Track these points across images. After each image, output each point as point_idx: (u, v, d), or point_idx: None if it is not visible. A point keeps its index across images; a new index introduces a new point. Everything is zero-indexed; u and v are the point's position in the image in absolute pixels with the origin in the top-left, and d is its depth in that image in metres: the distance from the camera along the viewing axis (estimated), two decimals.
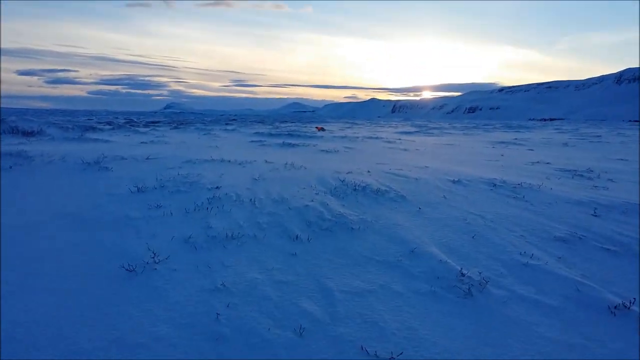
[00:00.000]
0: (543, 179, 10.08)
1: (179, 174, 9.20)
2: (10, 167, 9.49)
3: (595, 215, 6.71)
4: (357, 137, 25.53)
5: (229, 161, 11.67)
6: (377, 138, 25.80)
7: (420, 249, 5.12)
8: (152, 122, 44.50)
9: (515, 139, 28.83)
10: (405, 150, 18.33)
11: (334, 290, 4.08)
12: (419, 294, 4.09)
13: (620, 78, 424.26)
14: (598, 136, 33.62)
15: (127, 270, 4.39)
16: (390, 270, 4.64)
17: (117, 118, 58.06)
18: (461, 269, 4.53)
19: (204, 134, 25.87)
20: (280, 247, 5.23)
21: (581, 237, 5.70)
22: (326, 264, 4.75)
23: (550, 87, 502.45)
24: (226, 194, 7.42)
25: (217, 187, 7.93)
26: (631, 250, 5.25)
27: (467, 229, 6.01)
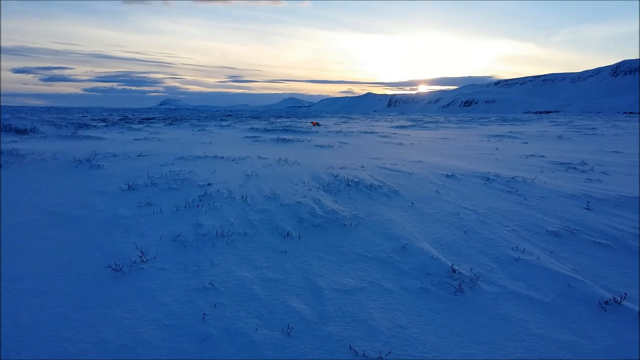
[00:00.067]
0: (537, 173, 10.06)
1: (171, 171, 9.13)
2: (1, 166, 9.39)
3: (588, 209, 6.68)
4: (352, 132, 25.47)
5: (222, 157, 11.59)
6: (372, 132, 25.73)
7: (412, 245, 5.08)
8: (147, 119, 44.34)
9: (510, 132, 28.82)
10: (400, 144, 18.28)
11: (323, 288, 4.03)
12: (409, 291, 4.05)
13: (616, 70, 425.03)
14: (593, 128, 33.62)
15: (113, 269, 4.33)
16: (381, 266, 4.60)
17: (111, 115, 57.84)
18: (452, 264, 4.50)
19: (199, 130, 25.77)
20: (270, 244, 5.17)
21: (574, 231, 5.67)
22: (317, 261, 4.70)
23: (546, 79, 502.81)
24: (218, 190, 7.37)
25: (208, 184, 7.87)
26: (624, 244, 5.22)
27: (460, 224, 5.97)
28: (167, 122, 37.37)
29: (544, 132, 28.63)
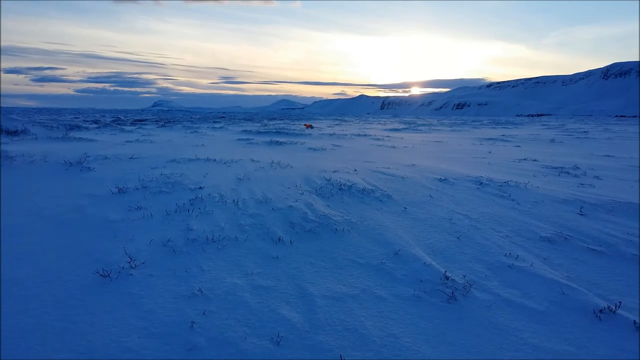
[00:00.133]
0: (530, 177, 10.06)
1: (162, 174, 9.04)
2: None
3: (582, 214, 6.66)
4: (346, 135, 25.46)
5: (215, 160, 11.52)
6: (365, 135, 25.72)
7: (405, 251, 5.02)
8: (139, 120, 44.13)
9: (503, 135, 28.92)
10: (393, 147, 18.26)
11: (314, 295, 3.97)
12: (401, 298, 3.99)
13: (607, 73, 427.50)
14: (585, 132, 33.82)
15: (101, 275, 4.25)
16: (374, 273, 4.53)
17: (104, 116, 57.55)
18: (445, 271, 4.44)
19: (191, 132, 25.62)
20: (261, 250, 5.10)
21: (567, 237, 5.64)
22: (308, 267, 4.64)
23: (538, 82, 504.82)
24: (209, 194, 7.29)
25: (200, 188, 7.79)
26: (617, 251, 5.18)
27: (453, 229, 5.93)
28: (160, 124, 37.21)
29: (537, 136, 28.75)
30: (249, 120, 55.51)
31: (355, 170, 10.26)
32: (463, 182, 8.94)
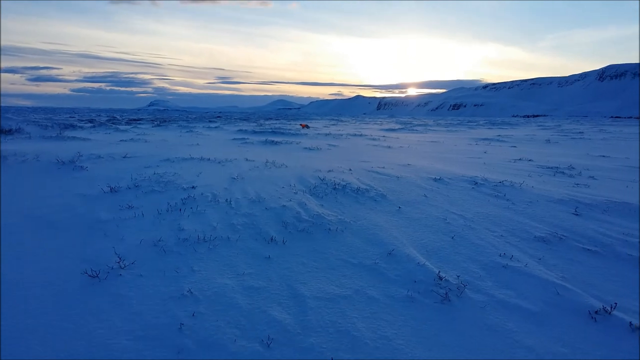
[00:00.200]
0: (525, 177, 10.03)
1: (155, 173, 8.95)
2: None
3: (577, 214, 6.62)
4: (341, 135, 25.40)
5: (209, 160, 11.43)
6: (361, 135, 25.69)
7: (398, 251, 4.97)
8: (135, 120, 43.97)
9: (499, 135, 28.94)
10: (388, 147, 18.22)
11: (306, 296, 3.90)
12: (394, 299, 3.93)
13: (602, 75, 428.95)
14: (580, 132, 33.91)
15: (90, 276, 4.17)
16: (367, 273, 4.47)
17: (99, 116, 57.28)
18: (439, 272, 4.38)
19: (186, 132, 25.52)
20: (253, 250, 5.03)
21: (562, 237, 5.60)
22: (300, 267, 4.57)
23: (534, 83, 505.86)
24: (202, 194, 7.21)
25: (193, 187, 7.70)
26: (613, 251, 5.15)
27: (447, 229, 5.88)
28: (155, 123, 37.08)
29: (532, 136, 28.79)
30: (244, 120, 55.42)
31: (350, 170, 10.20)
32: (458, 181, 8.90)
